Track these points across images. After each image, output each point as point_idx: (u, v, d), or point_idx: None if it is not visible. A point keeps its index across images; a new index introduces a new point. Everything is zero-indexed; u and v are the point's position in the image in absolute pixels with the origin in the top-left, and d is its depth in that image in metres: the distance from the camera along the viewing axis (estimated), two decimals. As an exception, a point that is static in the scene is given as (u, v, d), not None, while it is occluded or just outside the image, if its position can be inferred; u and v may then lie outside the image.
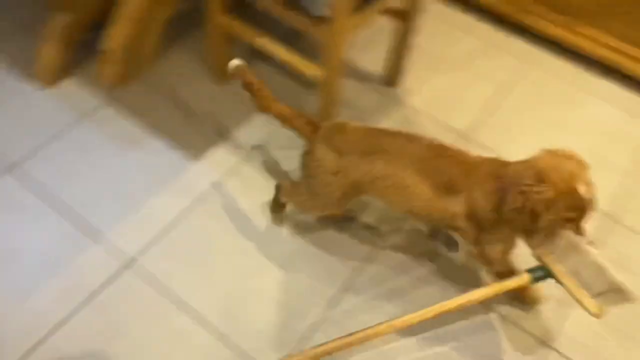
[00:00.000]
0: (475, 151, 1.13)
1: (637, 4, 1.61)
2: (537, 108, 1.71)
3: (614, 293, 1.05)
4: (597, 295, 1.06)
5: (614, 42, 1.71)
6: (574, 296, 1.07)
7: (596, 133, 1.66)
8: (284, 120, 1.19)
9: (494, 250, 1.14)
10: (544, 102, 1.73)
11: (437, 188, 1.09)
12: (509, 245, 1.14)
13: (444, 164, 1.10)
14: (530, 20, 1.82)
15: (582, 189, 0.98)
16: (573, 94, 1.76)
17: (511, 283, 1.12)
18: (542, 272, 1.12)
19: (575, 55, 1.81)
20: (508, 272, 1.18)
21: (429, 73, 1.77)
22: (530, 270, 1.13)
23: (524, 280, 1.12)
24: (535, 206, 0.99)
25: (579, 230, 1.03)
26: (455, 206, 1.09)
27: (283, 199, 1.33)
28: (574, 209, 1.00)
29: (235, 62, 1.18)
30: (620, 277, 1.07)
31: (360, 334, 1.10)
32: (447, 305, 1.11)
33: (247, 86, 1.19)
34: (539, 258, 1.13)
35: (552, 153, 1.04)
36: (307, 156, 1.17)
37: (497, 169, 1.07)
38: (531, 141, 1.62)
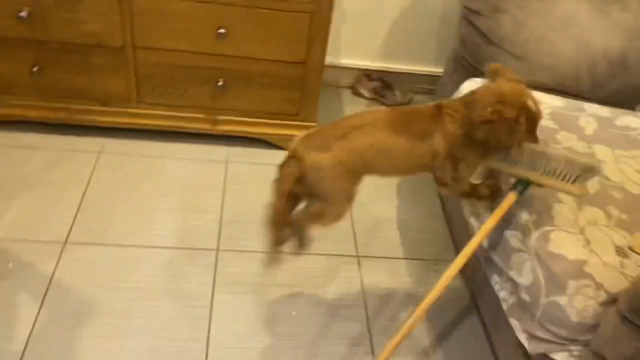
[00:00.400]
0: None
1: (166, 80, 1.91)
2: (129, 188, 1.84)
3: (586, 172, 1.20)
4: (575, 180, 1.21)
5: (159, 110, 1.97)
6: (559, 190, 1.24)
7: (185, 187, 1.88)
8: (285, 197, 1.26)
9: (466, 173, 1.28)
10: (133, 181, 1.87)
11: (414, 138, 1.23)
12: (476, 166, 1.31)
13: (410, 119, 1.25)
14: (90, 116, 1.95)
15: (531, 104, 1.19)
16: (153, 163, 1.95)
17: (504, 205, 1.25)
18: (523, 185, 1.27)
19: (138, 131, 2.02)
20: (472, 190, 1.36)
21: (5, 200, 1.72)
22: (512, 188, 1.28)
23: (511, 198, 1.26)
24: (502, 121, 1.15)
25: (535, 139, 1.23)
26: (436, 145, 1.22)
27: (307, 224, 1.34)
28: (529, 120, 1.18)
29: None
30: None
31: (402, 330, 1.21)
32: (469, 248, 1.24)
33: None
34: (515, 175, 1.28)
35: (502, 80, 1.23)
36: (306, 173, 1.22)
37: (461, 104, 1.23)
38: (136, 218, 1.74)
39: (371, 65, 2.50)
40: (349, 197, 1.30)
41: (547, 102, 1.72)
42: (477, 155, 1.27)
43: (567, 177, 1.23)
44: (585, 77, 1.79)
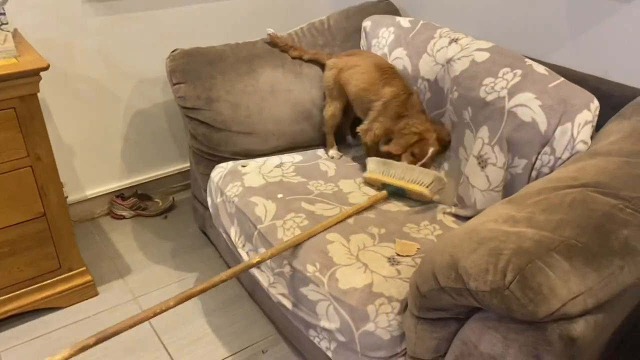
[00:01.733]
0: None
1: None
2: None
3: (437, 182, 1.66)
4: (428, 185, 1.66)
5: None
6: (416, 191, 1.67)
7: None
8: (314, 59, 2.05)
9: (377, 129, 1.82)
10: None
11: (380, 79, 1.83)
12: (383, 132, 1.83)
13: (388, 71, 1.85)
14: None
15: (430, 148, 1.73)
16: None
17: (377, 197, 1.67)
18: (393, 187, 1.71)
19: None
20: (372, 147, 1.87)
21: None
22: (384, 188, 1.72)
23: (383, 194, 1.70)
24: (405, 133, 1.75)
25: (416, 163, 1.73)
26: (386, 92, 1.80)
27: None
28: (420, 150, 1.74)
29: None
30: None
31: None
32: (345, 214, 1.58)
33: (283, 46, 2.03)
34: (389, 183, 1.71)
35: (432, 126, 1.76)
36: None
37: (414, 106, 1.79)
38: None
39: (120, 184, 2.45)
40: (336, 96, 1.96)
41: (288, 161, 1.90)
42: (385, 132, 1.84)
43: (425, 184, 1.67)
44: (308, 127, 2.03)
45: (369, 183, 1.78)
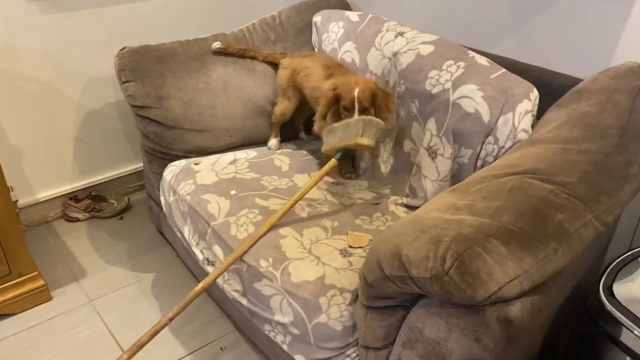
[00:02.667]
0: None
1: None
2: None
3: (368, 125, 1.58)
4: (362, 134, 1.58)
5: None
6: (354, 144, 1.59)
7: None
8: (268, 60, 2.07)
9: (316, 128, 1.80)
10: None
11: (325, 75, 1.84)
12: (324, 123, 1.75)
13: (335, 68, 1.86)
14: None
15: (350, 101, 1.64)
16: None
17: (326, 168, 1.59)
18: (340, 151, 1.62)
19: None
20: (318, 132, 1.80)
21: None
22: (334, 157, 1.62)
23: (334, 162, 1.61)
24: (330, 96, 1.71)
25: (351, 116, 1.65)
26: (325, 85, 1.75)
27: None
28: (344, 108, 1.68)
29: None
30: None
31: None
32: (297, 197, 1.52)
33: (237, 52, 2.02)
34: (333, 147, 1.64)
35: (363, 81, 1.69)
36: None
37: (341, 81, 1.72)
38: None
39: (73, 186, 2.40)
40: (289, 96, 1.97)
41: (242, 157, 1.90)
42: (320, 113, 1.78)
43: (357, 135, 1.59)
44: (262, 123, 2.03)
45: (328, 155, 1.72)
